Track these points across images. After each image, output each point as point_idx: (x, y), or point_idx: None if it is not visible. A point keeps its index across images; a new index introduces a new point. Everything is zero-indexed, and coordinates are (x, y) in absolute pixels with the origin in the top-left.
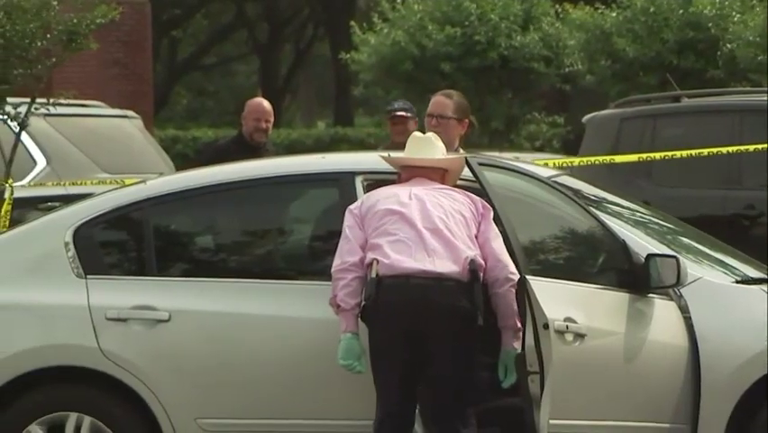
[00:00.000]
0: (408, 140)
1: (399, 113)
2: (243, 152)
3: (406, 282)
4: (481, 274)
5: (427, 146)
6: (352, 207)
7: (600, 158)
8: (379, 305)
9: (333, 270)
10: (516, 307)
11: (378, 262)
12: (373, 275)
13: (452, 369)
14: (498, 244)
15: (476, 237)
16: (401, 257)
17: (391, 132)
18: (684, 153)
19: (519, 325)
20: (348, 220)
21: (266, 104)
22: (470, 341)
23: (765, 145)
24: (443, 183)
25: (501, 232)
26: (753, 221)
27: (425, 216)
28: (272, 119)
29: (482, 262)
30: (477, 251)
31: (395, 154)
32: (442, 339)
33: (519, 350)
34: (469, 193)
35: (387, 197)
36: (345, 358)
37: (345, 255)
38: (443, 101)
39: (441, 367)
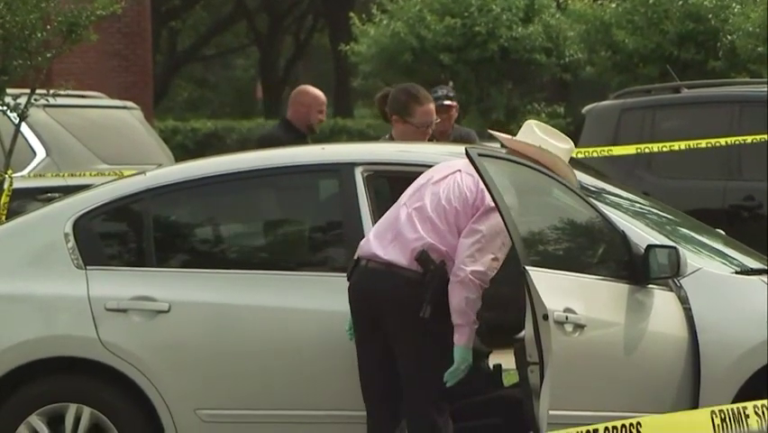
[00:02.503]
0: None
1: (446, 102)
2: (296, 140)
3: (365, 266)
4: (439, 265)
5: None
6: None
7: (599, 149)
8: (350, 287)
9: None
10: (460, 304)
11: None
12: (354, 257)
13: (407, 357)
14: (468, 241)
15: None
16: (371, 239)
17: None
18: (682, 145)
19: (459, 321)
20: None
21: (322, 93)
22: (421, 331)
23: (763, 136)
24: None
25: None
26: (752, 212)
27: (413, 198)
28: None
29: (442, 251)
30: (450, 240)
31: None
32: (393, 326)
33: (464, 346)
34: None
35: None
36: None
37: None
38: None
39: (399, 355)
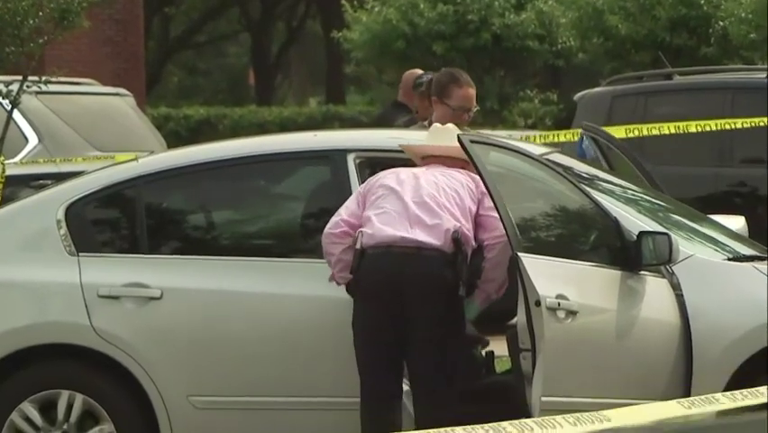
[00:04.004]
0: (430, 131)
1: None
2: (406, 121)
3: (387, 251)
4: (467, 247)
5: (448, 135)
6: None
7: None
8: (362, 276)
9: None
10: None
11: (363, 234)
12: (358, 246)
13: (436, 339)
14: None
15: (477, 212)
16: (384, 227)
17: (420, 107)
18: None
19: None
20: (351, 197)
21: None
22: (453, 312)
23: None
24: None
25: (494, 209)
26: (745, 198)
27: (415, 191)
28: None
29: (468, 235)
30: (466, 224)
31: (414, 142)
32: (423, 309)
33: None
34: (471, 173)
35: (389, 174)
36: None
37: (329, 226)
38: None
39: (424, 337)
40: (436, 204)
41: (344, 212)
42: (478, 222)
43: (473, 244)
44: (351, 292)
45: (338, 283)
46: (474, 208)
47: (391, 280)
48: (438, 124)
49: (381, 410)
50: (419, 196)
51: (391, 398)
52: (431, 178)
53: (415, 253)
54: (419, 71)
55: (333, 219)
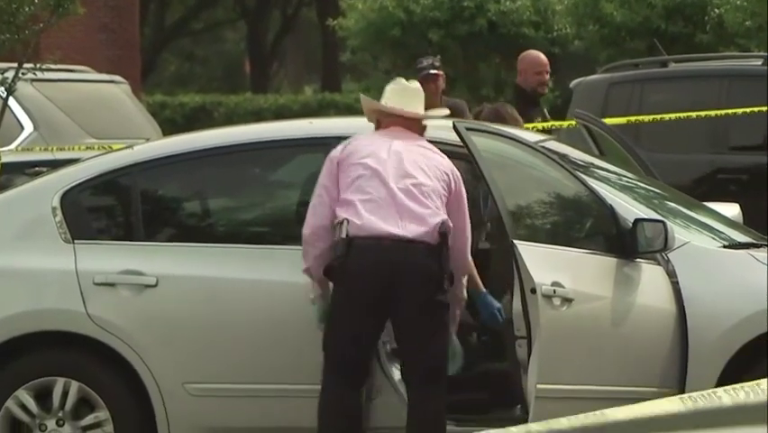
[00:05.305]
0: (394, 86)
1: (432, 71)
2: (526, 106)
3: (377, 243)
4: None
5: (416, 98)
6: (331, 154)
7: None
8: (349, 264)
9: (305, 233)
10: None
11: (348, 222)
12: (343, 235)
13: (425, 327)
14: (463, 220)
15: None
16: (373, 218)
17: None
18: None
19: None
20: (324, 175)
21: (543, 56)
22: (439, 303)
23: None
24: (420, 135)
25: (490, 197)
26: (740, 185)
27: (399, 175)
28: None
29: (451, 226)
30: (445, 215)
31: (379, 100)
32: (412, 300)
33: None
34: (446, 158)
35: (366, 147)
36: (323, 322)
37: (313, 219)
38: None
39: (413, 326)
40: (421, 192)
41: (326, 197)
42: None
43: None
44: (334, 278)
45: (312, 276)
46: (447, 197)
47: (380, 269)
48: (402, 80)
49: (348, 397)
50: (404, 182)
51: (359, 385)
52: (411, 158)
53: (404, 246)
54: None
55: (319, 210)
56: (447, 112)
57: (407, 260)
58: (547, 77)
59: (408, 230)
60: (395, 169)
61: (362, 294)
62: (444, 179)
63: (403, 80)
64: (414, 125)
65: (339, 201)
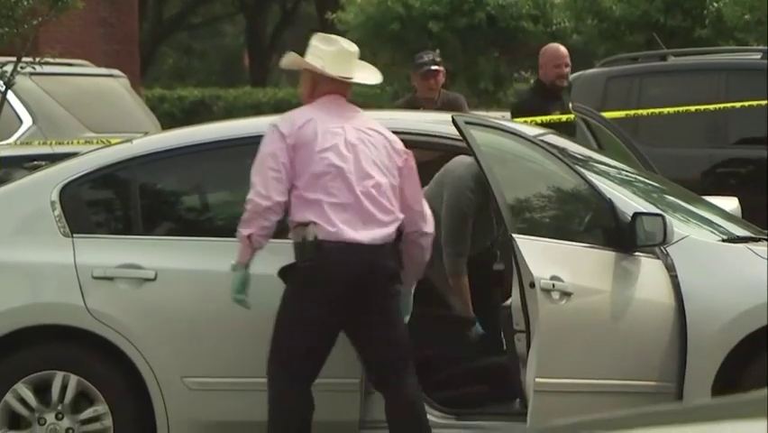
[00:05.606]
0: (330, 48)
1: (434, 67)
2: (546, 100)
3: (346, 248)
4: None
5: (355, 60)
6: (279, 125)
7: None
8: (319, 268)
9: (256, 200)
10: (425, 257)
11: (317, 225)
12: (311, 238)
13: (394, 326)
14: (417, 193)
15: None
16: (343, 226)
17: (420, 86)
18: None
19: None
20: (275, 143)
21: (562, 48)
22: (394, 294)
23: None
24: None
25: (489, 190)
26: (739, 179)
27: (360, 176)
28: (570, 62)
29: (402, 217)
30: (400, 213)
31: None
32: (374, 300)
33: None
34: (389, 134)
35: (322, 134)
36: (240, 292)
37: (274, 193)
38: None
39: (383, 326)
40: (380, 193)
41: (284, 174)
42: None
43: None
44: (300, 282)
45: (250, 243)
46: (397, 176)
47: (349, 273)
48: (337, 39)
49: (304, 399)
50: (364, 185)
51: (311, 384)
52: (367, 152)
53: (371, 250)
54: None
55: (276, 185)
56: (380, 77)
57: (374, 264)
58: (566, 69)
59: (374, 236)
60: (356, 168)
61: (331, 297)
62: (394, 167)
63: (338, 39)
64: (348, 90)
65: (303, 197)
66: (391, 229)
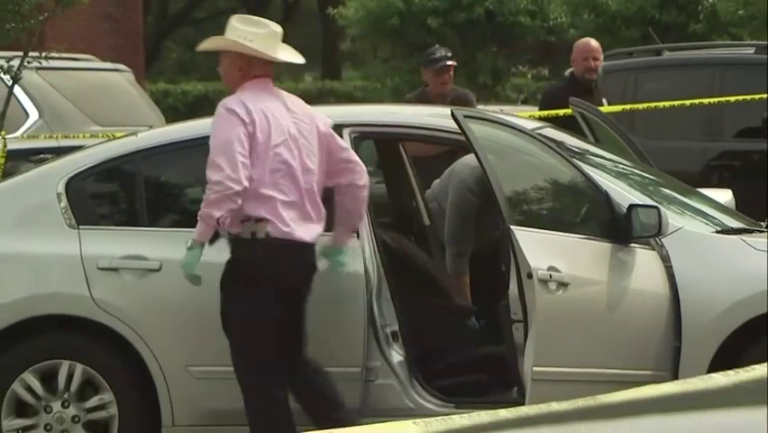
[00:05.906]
0: (257, 30)
1: (448, 63)
2: (577, 93)
3: (292, 246)
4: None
5: (279, 40)
6: (234, 108)
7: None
8: (270, 266)
9: (226, 183)
10: (362, 210)
11: (269, 222)
12: (262, 235)
13: (305, 318)
14: (343, 149)
15: (330, 155)
16: (294, 226)
17: (432, 82)
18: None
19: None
20: (237, 127)
21: (593, 42)
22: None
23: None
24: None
25: (487, 182)
26: (733, 172)
27: (303, 170)
28: (601, 57)
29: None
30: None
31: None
32: (307, 296)
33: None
34: (312, 111)
35: (273, 127)
36: (193, 269)
37: (243, 177)
38: None
39: (303, 319)
40: (316, 188)
41: (247, 160)
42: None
43: None
44: (251, 279)
45: (217, 226)
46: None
47: (297, 269)
48: (260, 20)
49: (287, 397)
50: (306, 180)
51: (286, 383)
52: (306, 144)
53: (310, 249)
54: None
55: (243, 171)
56: (301, 57)
57: (312, 263)
58: (594, 63)
59: (312, 233)
60: (300, 164)
61: (278, 294)
62: (319, 152)
63: (264, 20)
64: (272, 71)
65: (256, 192)
66: (321, 227)
